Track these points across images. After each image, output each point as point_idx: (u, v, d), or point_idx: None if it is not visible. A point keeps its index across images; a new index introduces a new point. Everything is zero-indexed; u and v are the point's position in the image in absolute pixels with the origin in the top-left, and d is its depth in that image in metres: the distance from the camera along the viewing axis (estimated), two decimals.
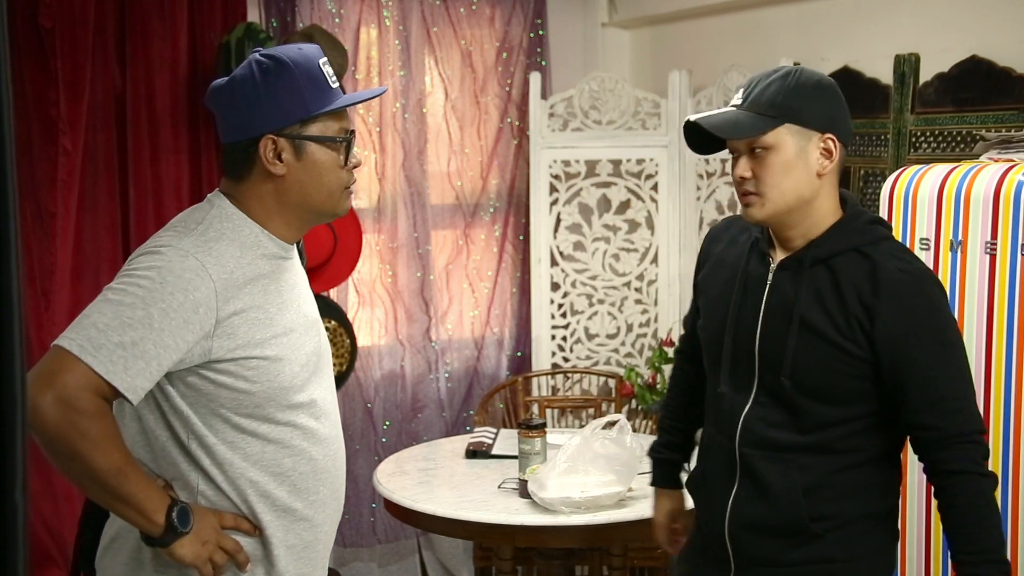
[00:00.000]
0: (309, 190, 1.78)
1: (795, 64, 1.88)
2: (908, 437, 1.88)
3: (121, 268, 1.73)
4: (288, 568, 1.81)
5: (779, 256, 1.89)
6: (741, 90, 1.85)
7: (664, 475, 2.27)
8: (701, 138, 1.88)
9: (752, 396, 1.89)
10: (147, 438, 1.76)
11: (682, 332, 2.25)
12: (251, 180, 1.78)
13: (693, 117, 1.83)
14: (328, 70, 1.79)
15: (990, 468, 1.79)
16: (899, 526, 2.00)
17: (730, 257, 1.98)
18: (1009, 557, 2.38)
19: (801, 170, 1.81)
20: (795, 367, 1.82)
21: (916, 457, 1.89)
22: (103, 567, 1.83)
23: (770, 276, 1.89)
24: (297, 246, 1.92)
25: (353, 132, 1.83)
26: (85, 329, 1.62)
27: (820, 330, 1.81)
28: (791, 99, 1.80)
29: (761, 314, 1.88)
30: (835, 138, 1.82)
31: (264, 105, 1.74)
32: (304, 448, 1.81)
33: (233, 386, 1.72)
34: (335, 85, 1.80)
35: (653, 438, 2.37)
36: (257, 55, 1.77)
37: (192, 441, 1.74)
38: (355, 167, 1.83)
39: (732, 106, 1.85)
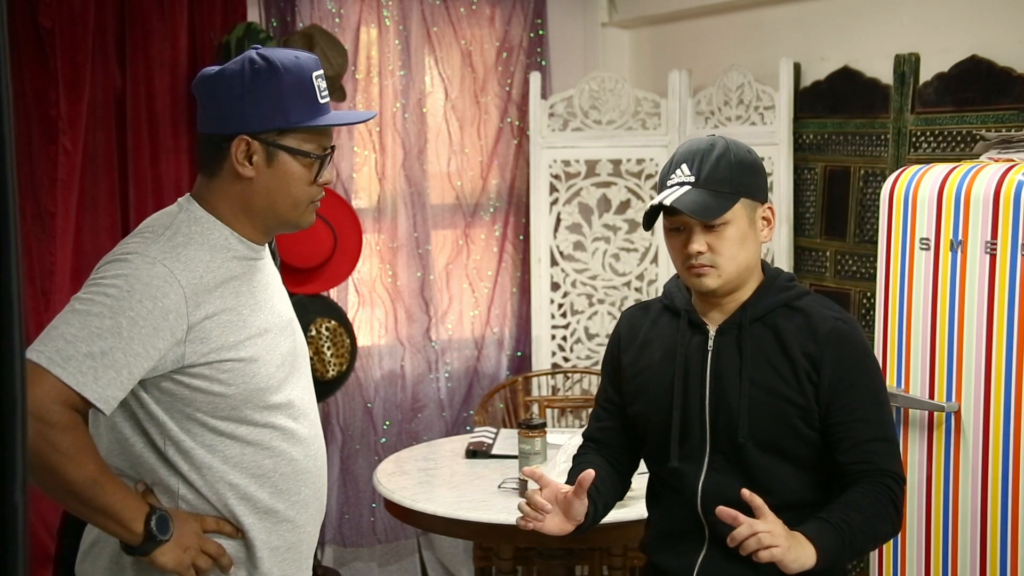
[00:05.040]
0: (275, 198, 1.77)
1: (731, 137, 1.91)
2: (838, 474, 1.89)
3: (89, 276, 1.71)
4: (272, 570, 1.81)
5: (714, 324, 1.93)
6: (684, 165, 1.88)
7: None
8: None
9: (706, 465, 1.91)
10: (123, 447, 1.74)
11: (593, 417, 2.13)
12: (221, 178, 1.77)
13: (667, 201, 1.84)
14: (320, 84, 1.77)
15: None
16: None
17: (658, 337, 2.00)
18: (1010, 558, 2.38)
19: (752, 240, 1.90)
20: (751, 425, 1.86)
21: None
22: (83, 572, 1.81)
23: (710, 343, 1.92)
24: (269, 246, 1.90)
25: (332, 149, 1.81)
26: (53, 340, 1.60)
27: (770, 386, 1.86)
28: (741, 175, 1.88)
29: (708, 381, 1.91)
30: (772, 207, 1.94)
31: (246, 105, 1.72)
32: (284, 449, 1.80)
33: (208, 389, 1.71)
34: (324, 100, 1.78)
35: None
36: (253, 53, 1.75)
37: (169, 447, 1.72)
38: (324, 184, 1.81)
39: (684, 183, 1.87)
